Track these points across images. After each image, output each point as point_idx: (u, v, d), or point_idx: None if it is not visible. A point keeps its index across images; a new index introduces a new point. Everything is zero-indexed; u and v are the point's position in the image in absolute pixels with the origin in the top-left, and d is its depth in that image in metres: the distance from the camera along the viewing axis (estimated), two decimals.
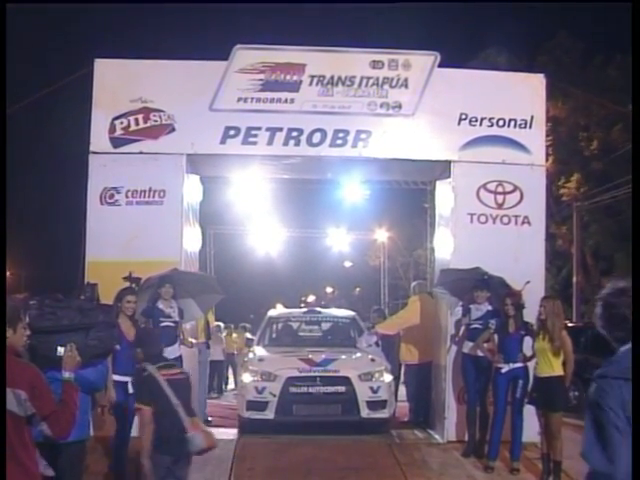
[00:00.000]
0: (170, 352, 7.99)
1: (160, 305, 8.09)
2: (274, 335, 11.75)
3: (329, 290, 61.50)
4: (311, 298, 67.95)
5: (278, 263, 38.75)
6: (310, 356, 9.88)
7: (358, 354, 10.33)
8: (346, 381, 9.38)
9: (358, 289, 51.77)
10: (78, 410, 4.85)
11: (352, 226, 33.34)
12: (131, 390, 7.19)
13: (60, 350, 4.28)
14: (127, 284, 8.22)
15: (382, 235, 35.34)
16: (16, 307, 4.04)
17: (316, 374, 9.45)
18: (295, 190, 23.37)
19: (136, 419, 7.99)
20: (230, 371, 18.27)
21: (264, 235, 29.59)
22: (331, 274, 50.90)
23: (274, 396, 9.28)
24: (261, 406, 9.33)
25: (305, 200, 29.98)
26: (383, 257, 35.97)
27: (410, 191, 23.54)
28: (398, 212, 31.35)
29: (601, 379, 2.91)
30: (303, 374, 9.44)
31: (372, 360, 9.94)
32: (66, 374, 4.17)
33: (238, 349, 18.00)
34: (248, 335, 19.09)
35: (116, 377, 7.01)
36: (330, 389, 9.37)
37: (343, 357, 10.05)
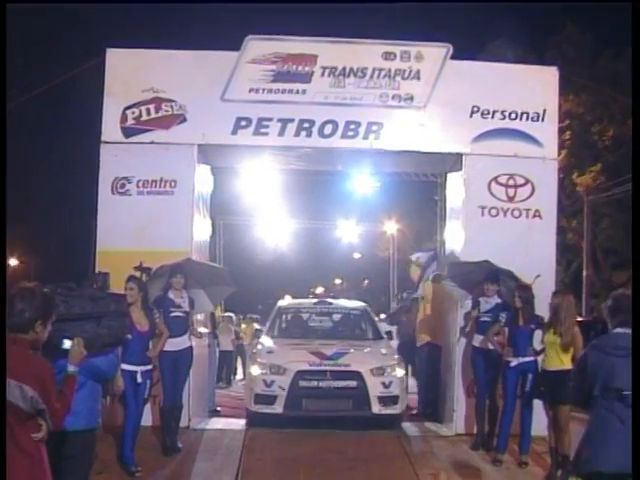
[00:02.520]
0: (180, 342, 8.06)
1: (171, 295, 8.09)
2: (284, 326, 11.46)
3: (338, 282, 61.43)
4: (320, 290, 67.97)
5: (287, 254, 38.78)
6: (320, 349, 9.64)
7: (370, 347, 10.14)
8: (357, 376, 9.15)
9: (367, 281, 51.67)
10: (88, 399, 4.90)
11: (362, 218, 33.33)
12: (140, 380, 7.23)
13: (67, 343, 4.28)
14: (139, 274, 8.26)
15: (391, 227, 35.25)
16: (53, 300, 4.05)
17: (326, 368, 9.22)
18: (305, 181, 23.33)
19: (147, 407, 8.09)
20: (239, 362, 18.33)
21: (273, 226, 29.62)
22: (340, 266, 50.84)
23: (283, 390, 9.05)
24: (270, 400, 9.11)
25: (315, 191, 29.95)
26: (392, 249, 35.86)
27: (420, 183, 23.42)
28: (408, 204, 31.26)
29: (588, 348, 4.55)
30: (313, 368, 9.21)
31: (384, 354, 9.76)
32: (71, 367, 4.16)
33: (247, 340, 18.03)
34: (256, 326, 19.15)
35: (125, 366, 6.98)
36: (341, 384, 9.15)
37: (354, 350, 9.79)
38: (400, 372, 9.48)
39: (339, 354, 9.48)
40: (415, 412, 10.65)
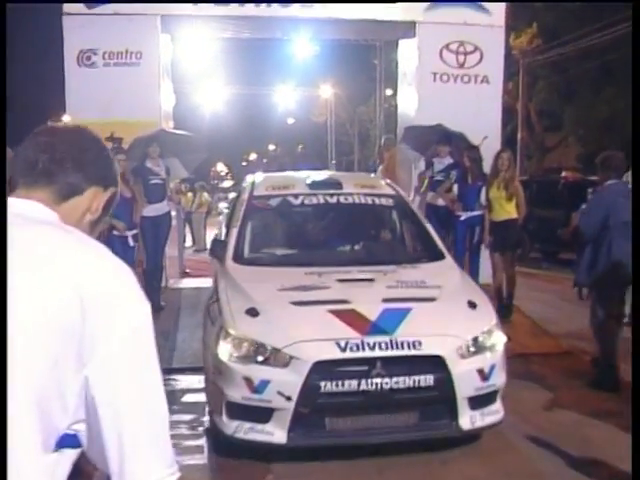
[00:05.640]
0: (159, 208, 8.57)
1: (148, 164, 8.48)
2: (263, 236, 6.30)
3: (272, 147, 61.46)
4: (253, 156, 67.68)
5: (220, 121, 38.54)
6: (355, 305, 4.65)
7: (440, 288, 5.07)
8: (436, 364, 4.42)
9: (301, 146, 51.87)
10: None
11: (299, 83, 33.28)
12: (132, 243, 7.79)
13: None
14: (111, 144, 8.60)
15: (327, 91, 35.17)
16: None
17: (375, 354, 4.36)
18: (244, 48, 23.19)
19: None
20: (187, 229, 18.79)
21: (209, 93, 29.41)
22: (274, 131, 50.79)
23: (289, 400, 4.28)
24: (260, 416, 4.37)
25: (254, 58, 29.66)
26: (329, 113, 36.02)
27: (359, 47, 23.54)
28: (346, 68, 31.24)
29: (603, 192, 6.28)
30: (348, 355, 4.35)
31: (472, 305, 4.91)
32: None
33: (193, 208, 18.41)
34: (205, 195, 19.58)
35: (116, 233, 7.56)
36: (404, 382, 4.35)
37: (418, 303, 4.79)
38: (502, 339, 4.79)
39: (393, 316, 4.60)
40: None
